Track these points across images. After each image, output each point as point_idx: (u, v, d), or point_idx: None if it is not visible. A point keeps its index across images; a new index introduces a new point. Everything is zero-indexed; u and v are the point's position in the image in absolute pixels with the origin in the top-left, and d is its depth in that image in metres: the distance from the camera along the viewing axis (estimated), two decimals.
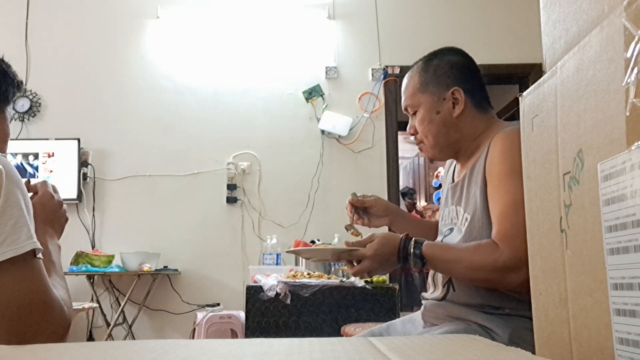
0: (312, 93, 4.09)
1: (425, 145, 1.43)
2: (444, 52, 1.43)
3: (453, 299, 1.31)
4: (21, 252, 0.80)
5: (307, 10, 4.16)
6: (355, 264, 1.31)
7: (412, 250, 1.25)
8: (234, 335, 3.48)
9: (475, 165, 1.32)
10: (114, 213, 4.01)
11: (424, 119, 1.39)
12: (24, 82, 3.89)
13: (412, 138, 1.48)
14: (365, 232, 1.42)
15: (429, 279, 1.45)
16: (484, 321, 1.23)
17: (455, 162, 1.50)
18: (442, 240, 1.41)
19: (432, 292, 1.41)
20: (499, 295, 1.23)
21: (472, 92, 1.38)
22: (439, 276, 1.37)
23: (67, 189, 3.84)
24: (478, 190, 1.28)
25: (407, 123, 1.49)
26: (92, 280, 3.74)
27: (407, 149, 6.73)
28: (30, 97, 4.04)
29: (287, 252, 1.59)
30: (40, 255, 0.85)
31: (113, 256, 3.60)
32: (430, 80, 1.39)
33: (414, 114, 1.42)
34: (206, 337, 3.33)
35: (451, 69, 1.38)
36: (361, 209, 1.57)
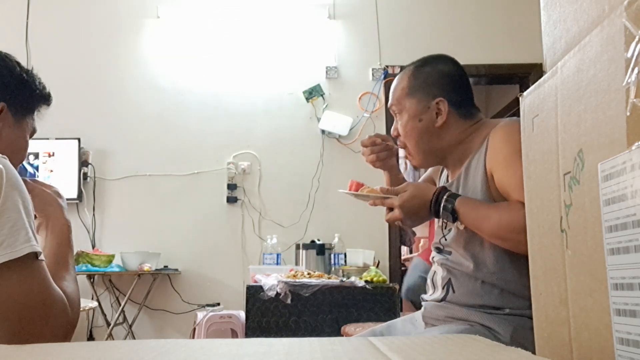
0: (313, 93, 4.09)
1: (409, 152, 1.44)
2: (437, 59, 1.44)
3: (453, 300, 1.31)
4: (18, 256, 0.79)
5: (307, 10, 4.16)
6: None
7: (444, 203, 1.27)
8: (234, 335, 3.48)
9: (470, 165, 1.33)
10: (114, 213, 4.01)
11: (407, 123, 1.41)
12: None
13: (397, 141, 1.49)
14: None
15: (429, 281, 1.45)
16: (486, 321, 1.23)
17: (445, 169, 1.50)
18: (441, 240, 1.41)
19: (432, 293, 1.41)
20: (499, 295, 1.24)
21: (457, 104, 1.39)
22: (439, 278, 1.37)
23: (67, 189, 3.84)
24: (478, 185, 1.28)
25: None
26: (92, 279, 3.75)
27: None
28: None
29: (340, 191, 1.61)
30: (42, 257, 0.84)
31: (113, 256, 3.60)
32: (418, 86, 1.40)
33: (399, 115, 1.44)
34: (206, 336, 3.33)
35: (440, 78, 1.40)
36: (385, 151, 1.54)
